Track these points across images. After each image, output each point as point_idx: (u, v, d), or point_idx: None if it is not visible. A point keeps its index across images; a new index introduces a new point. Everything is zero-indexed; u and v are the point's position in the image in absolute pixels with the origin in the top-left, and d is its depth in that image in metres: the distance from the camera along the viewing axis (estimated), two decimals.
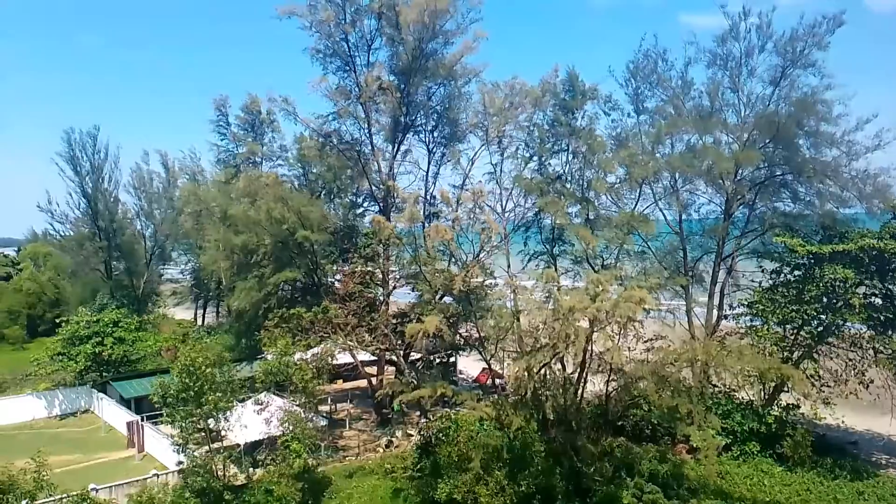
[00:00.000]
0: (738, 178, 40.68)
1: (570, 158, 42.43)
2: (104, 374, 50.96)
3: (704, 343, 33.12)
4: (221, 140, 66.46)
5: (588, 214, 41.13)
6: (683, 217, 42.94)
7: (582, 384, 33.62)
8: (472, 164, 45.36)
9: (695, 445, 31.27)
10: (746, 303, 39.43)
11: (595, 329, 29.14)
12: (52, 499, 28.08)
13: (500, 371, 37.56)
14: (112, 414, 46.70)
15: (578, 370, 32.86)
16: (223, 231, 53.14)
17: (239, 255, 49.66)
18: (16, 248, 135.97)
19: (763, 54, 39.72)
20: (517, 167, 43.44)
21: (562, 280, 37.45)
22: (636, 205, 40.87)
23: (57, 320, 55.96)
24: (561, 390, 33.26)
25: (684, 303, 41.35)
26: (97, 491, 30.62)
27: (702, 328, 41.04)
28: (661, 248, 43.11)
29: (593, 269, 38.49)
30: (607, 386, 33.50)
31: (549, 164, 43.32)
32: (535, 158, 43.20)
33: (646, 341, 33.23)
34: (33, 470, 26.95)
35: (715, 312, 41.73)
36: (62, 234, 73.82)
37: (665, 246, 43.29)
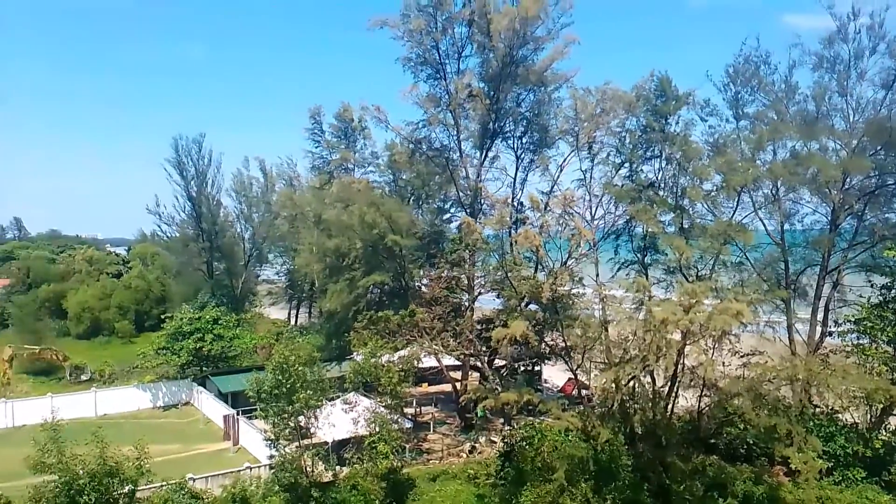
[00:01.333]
0: (846, 186, 38.39)
1: (663, 165, 41.29)
2: (204, 368, 53.62)
3: (806, 360, 31.45)
4: (316, 147, 68.85)
5: (682, 223, 39.82)
6: (785, 227, 40.93)
7: (672, 398, 32.61)
8: (562, 170, 44.88)
9: (794, 468, 29.67)
10: (853, 319, 37.06)
11: (688, 342, 28.23)
12: (152, 486, 29.63)
13: (587, 382, 36.93)
14: (210, 407, 49.08)
15: (669, 384, 31.89)
16: (317, 235, 54.99)
17: (331, 259, 51.12)
18: (126, 248, 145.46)
19: (874, 56, 37.52)
20: (608, 174, 42.67)
21: (653, 290, 36.39)
22: (734, 214, 39.28)
23: (162, 316, 59.43)
24: (650, 404, 32.38)
25: (785, 317, 39.32)
26: (194, 480, 32.20)
27: (803, 345, 38.90)
28: (760, 259, 41.22)
29: (687, 279, 37.23)
30: (699, 401, 32.35)
31: (642, 170, 42.27)
32: (627, 165, 42.27)
33: (742, 356, 31.88)
34: (135, 457, 28.43)
35: (818, 328, 39.49)
36: (168, 235, 78.57)
37: (765, 257, 41.37)
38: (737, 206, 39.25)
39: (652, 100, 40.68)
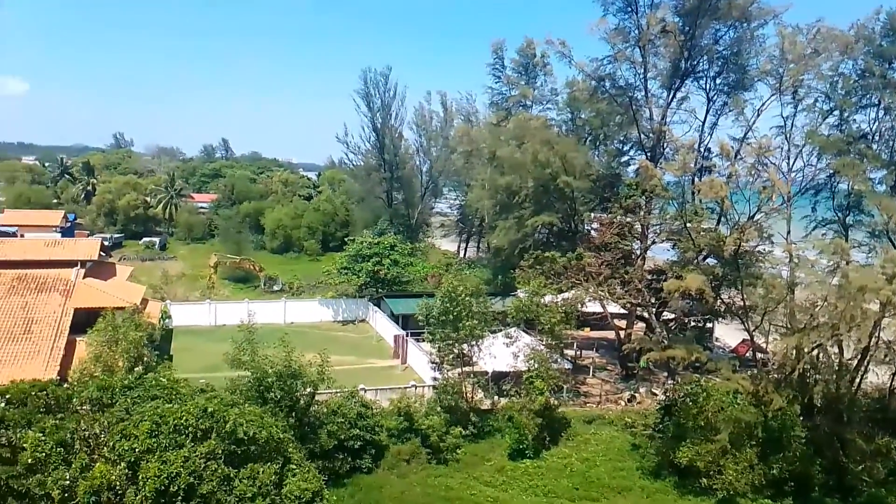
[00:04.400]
0: None
1: (880, 115, 36.52)
2: (379, 290, 57.17)
3: None
4: (496, 83, 68.68)
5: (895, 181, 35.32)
6: None
7: (861, 373, 29.95)
8: (758, 115, 41.21)
9: None
10: None
11: (887, 314, 25.56)
12: (329, 391, 32.51)
13: (764, 345, 34.80)
14: (383, 326, 52.56)
15: (859, 357, 29.26)
16: (490, 171, 55.53)
17: (502, 196, 51.58)
18: (317, 173, 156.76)
19: None
20: (812, 122, 38.53)
21: (852, 254, 32.97)
22: None
23: (345, 239, 63.82)
24: (834, 376, 30.00)
25: None
26: (365, 391, 34.92)
27: None
28: None
29: (894, 245, 33.24)
30: (893, 379, 29.42)
31: (853, 120, 37.77)
32: (836, 113, 37.90)
33: None
34: (318, 364, 31.24)
35: None
36: (354, 163, 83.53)
37: None
38: None
39: (875, 41, 35.73)
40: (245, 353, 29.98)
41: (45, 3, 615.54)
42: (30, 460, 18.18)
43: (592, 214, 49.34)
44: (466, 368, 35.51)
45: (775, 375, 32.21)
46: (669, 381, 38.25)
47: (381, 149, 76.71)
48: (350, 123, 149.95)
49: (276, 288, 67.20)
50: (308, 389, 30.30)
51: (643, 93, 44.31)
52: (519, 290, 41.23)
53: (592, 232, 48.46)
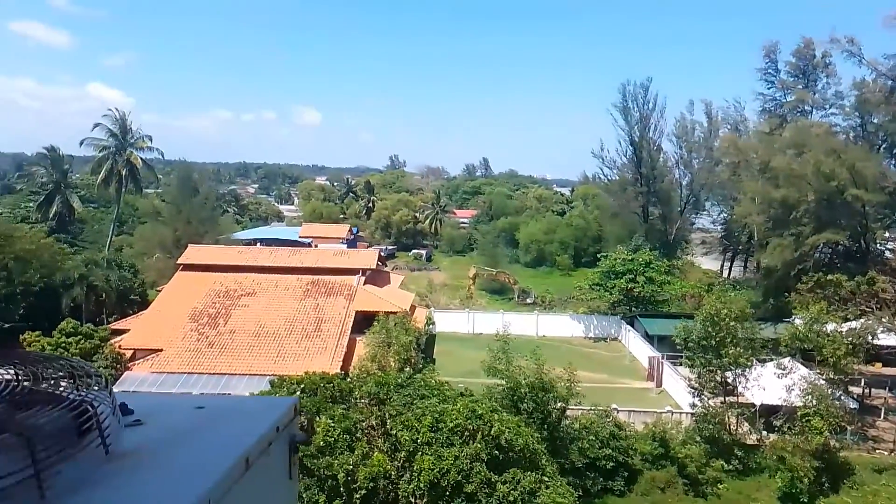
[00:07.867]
0: None
1: None
2: (632, 308, 55.67)
3: None
4: (768, 88, 63.35)
5: None
6: None
7: None
8: None
9: None
10: None
11: None
12: (580, 407, 32.42)
13: None
14: (636, 346, 51.02)
15: None
16: (761, 183, 51.20)
17: (776, 210, 47.27)
18: (570, 189, 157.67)
19: None
20: None
21: None
22: None
23: (597, 255, 63.31)
24: None
25: None
26: (618, 411, 34.17)
27: None
28: None
29: None
30: None
31: None
32: None
33: None
34: (566, 379, 31.31)
35: None
36: (609, 178, 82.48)
37: None
38: None
39: None
40: (500, 362, 31.02)
41: (336, 46, 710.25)
42: (321, 443, 20.88)
43: (888, 233, 43.13)
44: (730, 398, 33.05)
45: None
46: None
47: (637, 162, 74.78)
48: (605, 138, 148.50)
49: (529, 301, 68.87)
50: (559, 404, 30.51)
51: None
52: (795, 316, 37.34)
53: (887, 253, 42.39)
